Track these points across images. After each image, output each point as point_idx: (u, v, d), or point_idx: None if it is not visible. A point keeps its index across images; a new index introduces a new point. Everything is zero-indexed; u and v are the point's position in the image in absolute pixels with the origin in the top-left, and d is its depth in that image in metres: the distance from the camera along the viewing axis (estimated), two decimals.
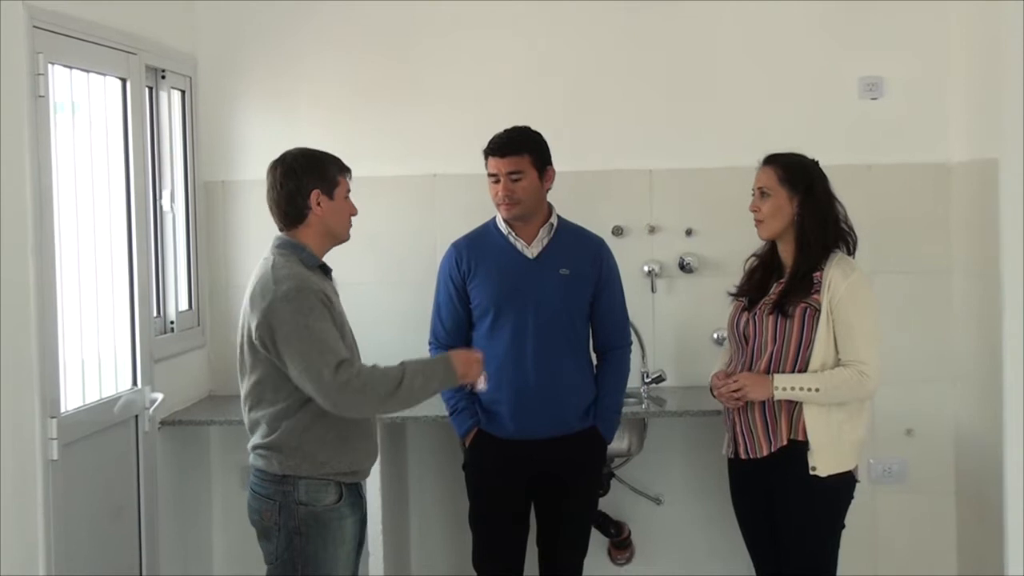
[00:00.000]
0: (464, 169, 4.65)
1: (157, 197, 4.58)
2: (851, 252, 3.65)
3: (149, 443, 4.22)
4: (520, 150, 3.83)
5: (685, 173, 4.81)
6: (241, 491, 4.65)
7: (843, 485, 3.57)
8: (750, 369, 3.58)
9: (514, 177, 3.82)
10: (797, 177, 3.56)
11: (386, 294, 4.86)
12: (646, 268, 4.78)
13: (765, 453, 3.54)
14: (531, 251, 3.90)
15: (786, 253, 3.60)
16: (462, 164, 4.69)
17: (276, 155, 4.75)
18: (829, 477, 3.50)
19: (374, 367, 3.16)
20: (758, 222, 3.60)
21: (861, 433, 3.59)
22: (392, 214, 4.86)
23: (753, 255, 3.79)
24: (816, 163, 3.65)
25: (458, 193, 4.80)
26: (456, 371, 3.24)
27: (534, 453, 3.86)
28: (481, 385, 3.42)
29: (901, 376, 4.66)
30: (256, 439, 3.23)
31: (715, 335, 4.66)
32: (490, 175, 3.87)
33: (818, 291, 3.50)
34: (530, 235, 3.91)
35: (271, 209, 3.31)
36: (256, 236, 4.77)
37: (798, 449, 3.49)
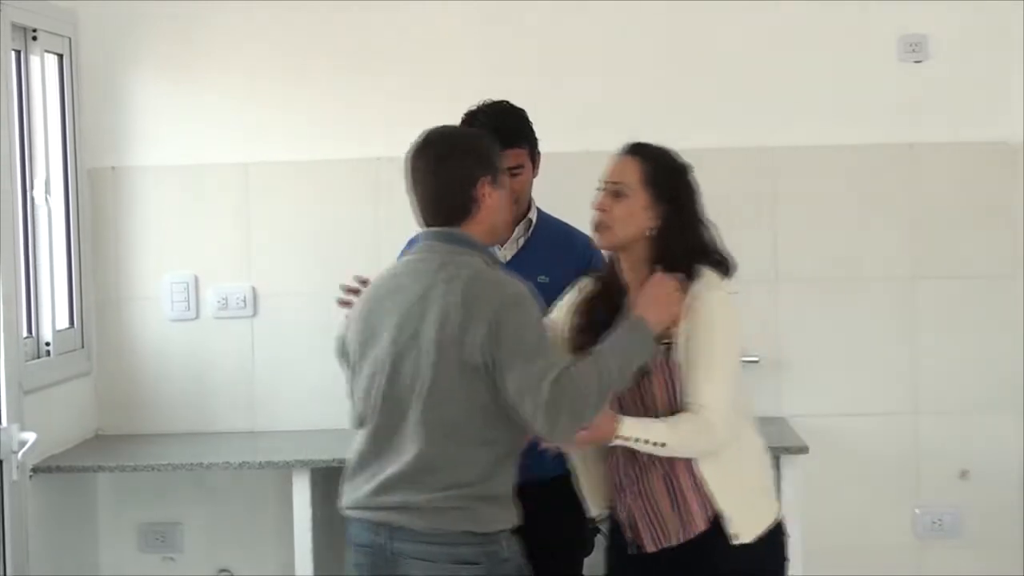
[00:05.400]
0: None
1: (27, 187, 4.47)
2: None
3: (18, 495, 4.04)
4: (520, 139, 3.73)
5: (686, 155, 4.59)
6: (138, 553, 4.76)
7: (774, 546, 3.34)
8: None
9: (515, 172, 3.69)
10: (665, 181, 3.28)
11: (319, 308, 4.57)
12: None
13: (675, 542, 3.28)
14: (504, 253, 3.79)
15: (632, 272, 3.31)
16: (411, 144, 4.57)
17: (179, 135, 4.63)
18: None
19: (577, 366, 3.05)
20: (601, 225, 3.29)
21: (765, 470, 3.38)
22: (326, 207, 4.78)
23: (589, 275, 3.50)
24: (690, 168, 3.36)
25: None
26: (650, 329, 3.11)
27: None
28: None
29: (953, 405, 4.64)
30: (463, 488, 3.04)
31: None
32: None
33: (676, 323, 3.22)
34: None
35: (421, 203, 3.14)
36: (157, 236, 4.79)
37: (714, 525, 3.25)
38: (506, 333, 2.97)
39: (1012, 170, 4.62)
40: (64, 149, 4.66)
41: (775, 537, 3.31)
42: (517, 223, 3.81)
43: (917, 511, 4.67)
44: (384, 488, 3.04)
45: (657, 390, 3.25)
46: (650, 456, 3.25)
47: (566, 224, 3.91)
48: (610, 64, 4.73)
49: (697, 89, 4.72)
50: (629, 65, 4.73)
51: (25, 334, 4.34)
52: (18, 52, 4.41)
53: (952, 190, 4.68)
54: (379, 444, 3.08)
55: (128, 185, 4.80)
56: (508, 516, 3.07)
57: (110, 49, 4.79)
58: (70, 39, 4.70)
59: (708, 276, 3.27)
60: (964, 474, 4.68)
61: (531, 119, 3.82)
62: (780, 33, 4.72)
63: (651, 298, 3.16)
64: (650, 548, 3.31)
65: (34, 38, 4.46)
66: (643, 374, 3.26)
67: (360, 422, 3.14)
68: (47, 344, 4.53)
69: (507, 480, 3.08)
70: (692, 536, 3.27)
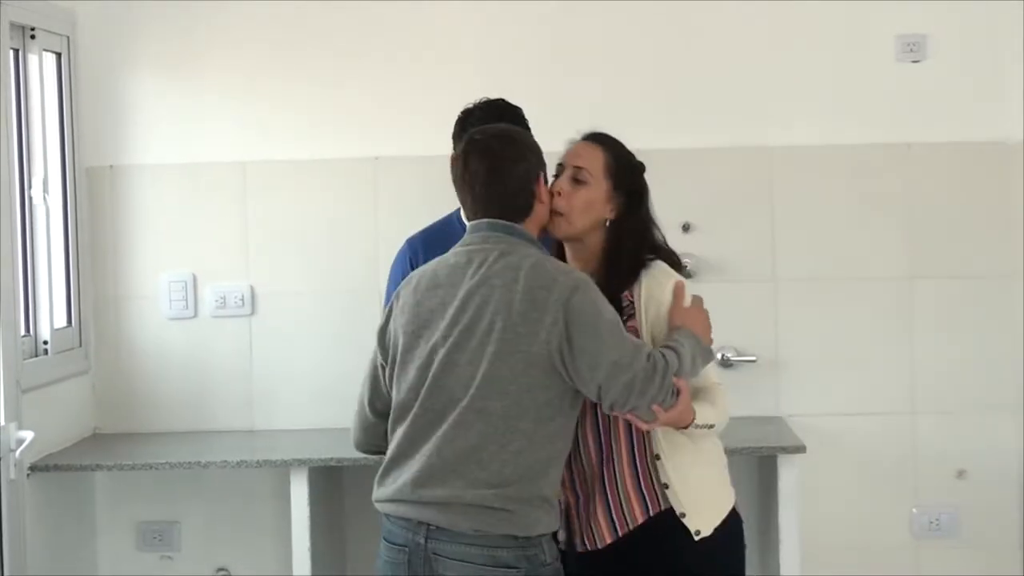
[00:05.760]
0: (412, 150, 4.64)
1: (25, 186, 4.46)
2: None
3: (15, 493, 4.08)
4: None
5: (681, 154, 4.69)
6: (136, 551, 4.78)
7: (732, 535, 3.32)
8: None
9: None
10: (625, 174, 3.28)
11: (315, 305, 4.81)
12: None
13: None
14: None
15: (579, 264, 3.28)
16: (410, 144, 4.67)
17: (178, 133, 4.64)
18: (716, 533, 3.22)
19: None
20: (557, 214, 3.23)
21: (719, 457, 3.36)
22: (323, 206, 4.79)
23: None
24: (645, 167, 3.36)
25: (405, 179, 4.72)
26: (702, 341, 3.09)
27: None
28: None
29: (951, 405, 4.63)
30: (507, 487, 2.95)
31: (720, 355, 4.55)
32: None
33: (633, 315, 3.20)
34: None
35: (482, 200, 3.09)
36: (155, 234, 4.80)
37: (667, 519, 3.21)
38: (581, 318, 2.92)
39: (1012, 170, 4.62)
40: (62, 148, 4.65)
41: (732, 526, 3.28)
42: None
43: (914, 511, 4.68)
44: (426, 478, 2.92)
45: None
46: (607, 454, 3.20)
47: None
48: (610, 64, 4.73)
49: (697, 89, 4.71)
50: (629, 65, 4.73)
51: (23, 332, 4.34)
52: (16, 51, 4.40)
53: (951, 190, 4.68)
54: (424, 435, 2.96)
55: (126, 184, 4.80)
56: (550, 520, 2.98)
57: (108, 48, 4.79)
58: (68, 38, 4.69)
59: (663, 265, 3.25)
60: (961, 474, 4.69)
61: (530, 118, 3.76)
62: (779, 33, 4.72)
63: (695, 315, 3.12)
64: (579, 548, 3.25)
65: (32, 37, 4.46)
66: None
67: (399, 413, 3.01)
68: (45, 343, 4.53)
69: (553, 483, 2.99)
70: (615, 540, 3.20)
